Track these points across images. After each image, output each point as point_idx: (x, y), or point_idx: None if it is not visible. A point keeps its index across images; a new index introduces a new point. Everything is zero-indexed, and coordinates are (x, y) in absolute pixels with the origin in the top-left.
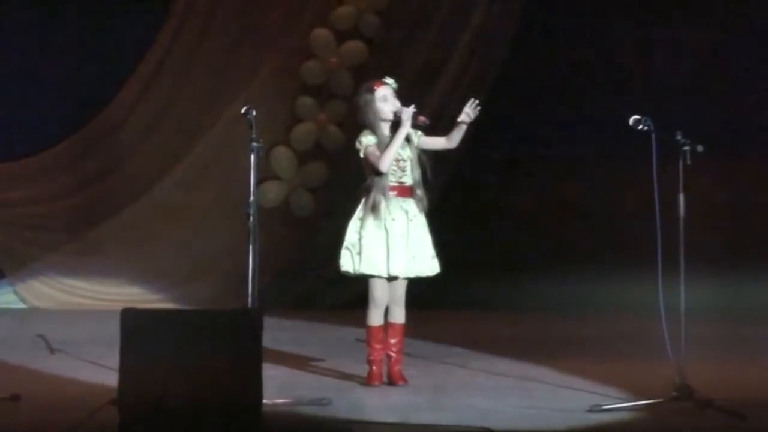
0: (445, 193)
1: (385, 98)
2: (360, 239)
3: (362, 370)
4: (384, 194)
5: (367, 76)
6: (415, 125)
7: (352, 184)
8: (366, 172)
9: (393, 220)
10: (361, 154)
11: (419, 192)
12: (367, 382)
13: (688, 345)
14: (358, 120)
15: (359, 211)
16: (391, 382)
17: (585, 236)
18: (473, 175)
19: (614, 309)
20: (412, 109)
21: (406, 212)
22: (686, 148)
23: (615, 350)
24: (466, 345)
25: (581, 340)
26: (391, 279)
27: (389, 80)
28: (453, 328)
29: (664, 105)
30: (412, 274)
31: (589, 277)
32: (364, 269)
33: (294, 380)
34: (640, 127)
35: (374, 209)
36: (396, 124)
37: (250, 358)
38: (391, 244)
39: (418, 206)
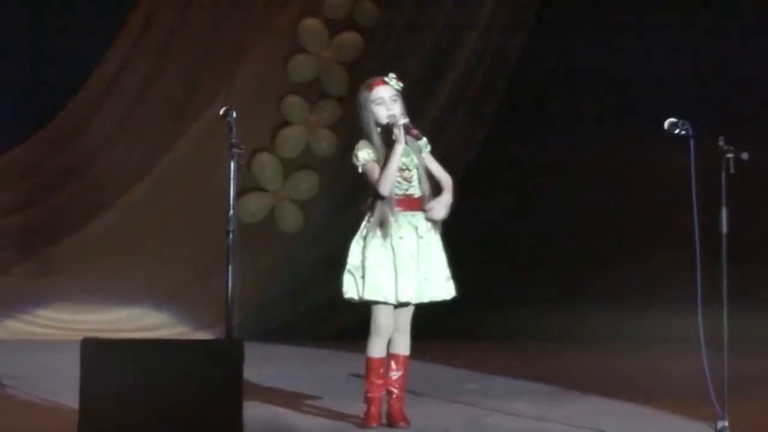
0: (457, 214)
1: (381, 101)
2: (363, 261)
3: (358, 409)
4: (391, 209)
5: (363, 72)
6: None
7: (345, 195)
8: (368, 189)
9: (401, 238)
10: (360, 170)
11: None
12: (363, 423)
13: (731, 381)
14: (357, 121)
15: (362, 230)
16: (391, 423)
17: (614, 258)
18: (487, 192)
19: (647, 340)
20: (402, 120)
21: (416, 228)
22: (730, 155)
23: (648, 387)
24: (478, 381)
25: (610, 376)
26: (400, 305)
27: (392, 80)
28: (463, 362)
29: (697, 109)
30: (426, 299)
31: (620, 304)
32: (368, 295)
33: (280, 421)
34: (677, 131)
35: (381, 227)
36: (387, 133)
37: (230, 396)
38: (399, 266)
39: (429, 222)
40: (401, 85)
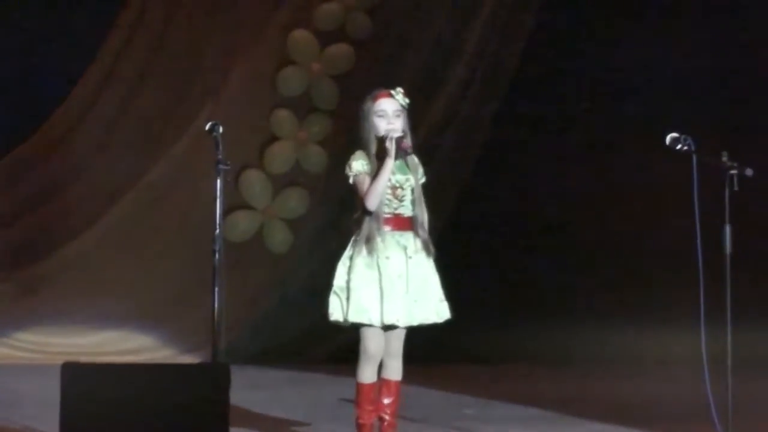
0: (452, 231)
1: (383, 113)
2: (348, 282)
3: None
4: (378, 227)
5: (354, 86)
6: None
7: (336, 214)
8: (356, 203)
9: (387, 258)
10: (351, 181)
11: (422, 232)
12: None
13: (737, 406)
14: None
15: (348, 250)
16: None
17: (613, 279)
18: (482, 211)
19: (647, 362)
20: (396, 134)
21: (404, 248)
22: (733, 171)
23: (648, 410)
24: (475, 406)
25: (609, 399)
26: (389, 328)
27: (398, 94)
28: (458, 386)
29: (702, 113)
30: (416, 322)
31: (619, 325)
32: (353, 317)
33: None
34: (679, 146)
35: (367, 243)
36: (383, 147)
37: (216, 422)
38: (386, 287)
39: (420, 243)
40: (407, 101)
